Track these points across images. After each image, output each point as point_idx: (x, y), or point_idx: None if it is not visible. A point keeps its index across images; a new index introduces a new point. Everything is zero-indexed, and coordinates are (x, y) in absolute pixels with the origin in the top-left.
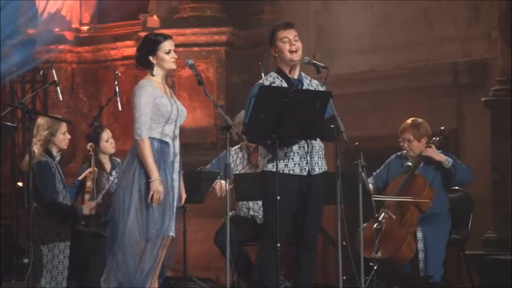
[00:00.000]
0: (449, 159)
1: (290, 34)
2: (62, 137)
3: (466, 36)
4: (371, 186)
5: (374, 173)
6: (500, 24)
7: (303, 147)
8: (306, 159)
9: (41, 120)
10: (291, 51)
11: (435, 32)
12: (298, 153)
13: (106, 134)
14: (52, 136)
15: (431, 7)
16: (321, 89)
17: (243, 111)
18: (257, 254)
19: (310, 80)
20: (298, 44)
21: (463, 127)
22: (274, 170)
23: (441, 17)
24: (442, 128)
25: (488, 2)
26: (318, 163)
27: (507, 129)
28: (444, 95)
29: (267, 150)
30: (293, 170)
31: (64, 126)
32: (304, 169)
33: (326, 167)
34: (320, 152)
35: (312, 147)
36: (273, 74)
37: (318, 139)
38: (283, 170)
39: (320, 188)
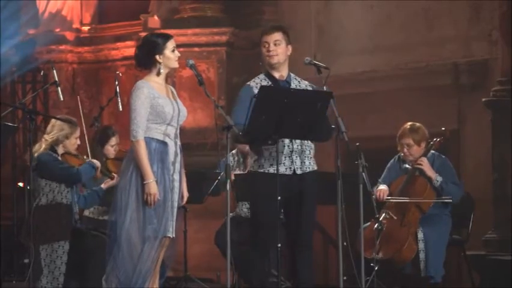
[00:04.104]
0: (438, 178)
1: (271, 39)
2: (74, 142)
3: (466, 37)
4: (385, 187)
5: (379, 180)
6: (500, 25)
7: (288, 146)
8: (291, 158)
9: (57, 121)
10: (268, 56)
11: (436, 32)
12: (283, 152)
13: (115, 140)
14: (66, 139)
15: (431, 7)
16: (310, 89)
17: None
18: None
19: (299, 81)
20: (276, 50)
21: (464, 128)
22: (260, 170)
23: (442, 17)
24: (443, 128)
25: (489, 2)
26: (304, 162)
27: (507, 130)
28: (445, 95)
29: (253, 151)
30: (278, 170)
31: (78, 132)
32: (290, 168)
33: (316, 167)
34: (307, 152)
35: (297, 146)
36: (261, 76)
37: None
38: (268, 170)
39: (308, 187)
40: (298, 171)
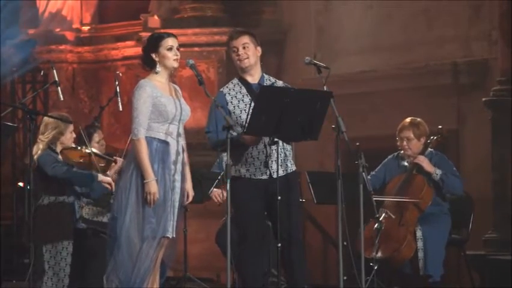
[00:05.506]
0: (438, 172)
1: (239, 43)
2: (70, 136)
3: (466, 37)
4: None
5: (372, 173)
6: (500, 25)
7: (262, 151)
8: (266, 163)
9: (49, 119)
10: (239, 60)
11: (435, 32)
12: (258, 158)
13: (98, 136)
14: (61, 135)
15: (431, 7)
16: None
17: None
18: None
19: (274, 82)
20: (246, 53)
21: (463, 127)
22: (236, 175)
23: (441, 17)
24: (440, 127)
25: (489, 2)
26: (281, 166)
27: (507, 130)
28: (445, 95)
29: (230, 158)
30: (254, 175)
31: (71, 126)
32: (266, 173)
33: (294, 167)
34: (282, 155)
35: (272, 151)
36: (234, 81)
37: (281, 142)
38: (244, 175)
39: (286, 188)
40: (275, 175)
